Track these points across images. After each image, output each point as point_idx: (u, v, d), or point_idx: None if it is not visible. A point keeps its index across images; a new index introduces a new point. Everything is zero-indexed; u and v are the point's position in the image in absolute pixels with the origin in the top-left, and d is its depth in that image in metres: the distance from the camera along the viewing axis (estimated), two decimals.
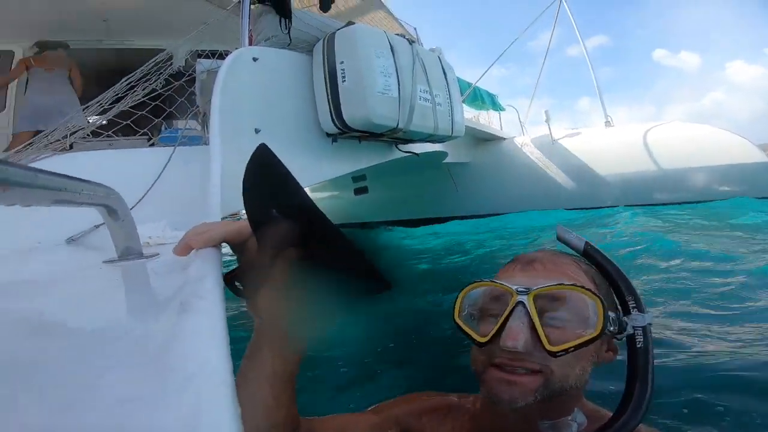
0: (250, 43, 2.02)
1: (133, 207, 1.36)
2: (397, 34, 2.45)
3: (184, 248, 0.47)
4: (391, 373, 1.56)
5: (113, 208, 0.61)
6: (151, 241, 1.10)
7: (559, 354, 0.49)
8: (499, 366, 0.53)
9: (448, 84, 2.65)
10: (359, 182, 6.29)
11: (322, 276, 0.45)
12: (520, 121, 6.63)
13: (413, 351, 1.76)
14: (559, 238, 0.64)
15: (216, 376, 0.17)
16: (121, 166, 1.64)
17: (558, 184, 5.37)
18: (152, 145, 1.90)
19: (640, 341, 0.56)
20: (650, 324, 0.57)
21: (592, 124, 5.84)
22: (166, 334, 0.22)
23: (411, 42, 2.41)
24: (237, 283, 0.48)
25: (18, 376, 0.23)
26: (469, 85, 5.67)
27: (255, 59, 1.81)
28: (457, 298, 0.59)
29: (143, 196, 1.39)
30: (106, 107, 1.70)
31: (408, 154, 2.93)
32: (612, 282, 0.59)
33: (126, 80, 1.77)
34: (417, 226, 5.64)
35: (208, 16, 2.20)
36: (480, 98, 6.25)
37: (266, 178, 0.46)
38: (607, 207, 4.98)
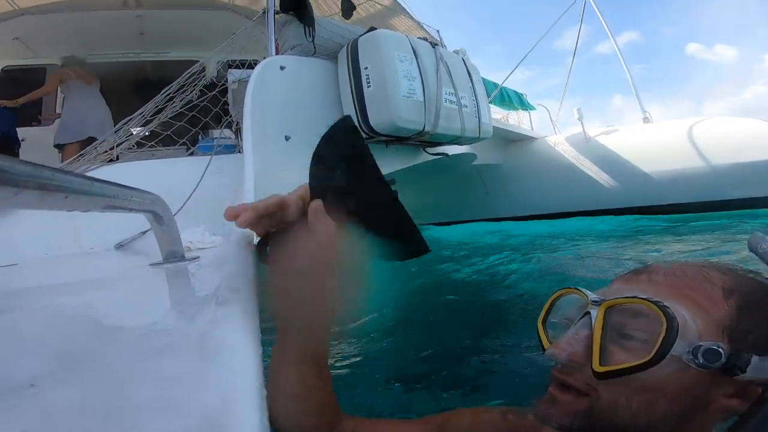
0: (277, 53, 2.09)
1: (175, 213, 1.45)
2: (420, 38, 2.47)
3: (241, 221, 0.42)
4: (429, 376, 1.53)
5: (159, 214, 0.66)
6: (192, 246, 1.18)
7: (605, 375, 0.42)
8: (553, 381, 0.47)
9: (473, 85, 2.64)
10: None
11: (366, 232, 0.44)
12: (552, 120, 6.45)
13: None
14: (750, 247, 0.53)
15: (247, 358, 0.19)
16: (163, 175, 1.75)
17: (597, 183, 5.16)
18: (191, 154, 2.02)
19: None
20: None
21: (626, 122, 5.57)
22: (205, 324, 0.25)
23: (434, 45, 2.42)
24: (267, 250, 0.48)
25: (77, 363, 0.26)
26: (496, 86, 5.58)
27: (282, 68, 1.88)
28: (547, 302, 0.54)
29: (184, 203, 1.48)
30: (148, 118, 1.82)
31: (436, 156, 2.93)
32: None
33: (165, 92, 1.89)
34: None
35: (237, 27, 2.30)
36: (508, 98, 6.14)
37: (338, 143, 0.46)
38: (656, 206, 4.74)
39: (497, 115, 6.07)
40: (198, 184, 1.53)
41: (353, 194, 0.44)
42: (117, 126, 1.80)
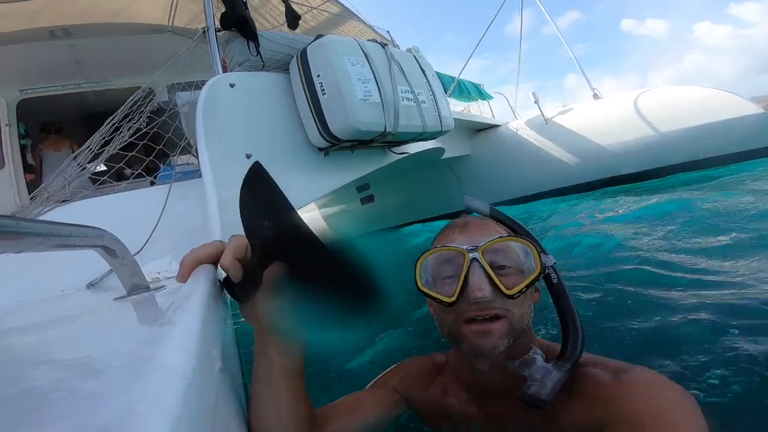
0: (225, 71, 2.05)
1: (141, 249, 1.42)
2: (369, 40, 2.48)
3: (180, 275, 0.51)
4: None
5: (110, 248, 0.65)
6: (161, 275, 1.16)
7: (517, 295, 0.58)
8: (471, 320, 0.59)
9: (428, 81, 2.67)
10: (364, 191, 6.33)
11: (307, 287, 0.49)
12: (511, 106, 6.62)
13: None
14: (467, 207, 0.76)
15: (169, 371, 0.20)
16: (125, 209, 1.70)
17: (561, 162, 5.33)
18: (153, 184, 1.96)
19: (554, 278, 0.67)
20: (555, 263, 0.67)
21: (580, 99, 5.78)
22: (142, 345, 0.25)
23: (383, 45, 2.44)
24: (236, 289, 0.52)
25: (14, 387, 0.26)
26: (453, 79, 5.69)
27: (232, 85, 1.84)
28: (415, 268, 0.66)
29: (149, 238, 1.44)
30: (96, 152, 1.75)
31: (403, 155, 2.96)
32: (516, 233, 0.70)
33: (109, 122, 1.81)
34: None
35: (179, 48, 2.24)
36: (466, 90, 6.26)
37: (259, 194, 0.50)
38: (615, 178, 4.95)
39: (458, 107, 6.18)
40: (161, 215, 1.50)
41: (286, 243, 0.48)
42: (64, 164, 1.72)
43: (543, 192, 5.42)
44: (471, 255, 0.60)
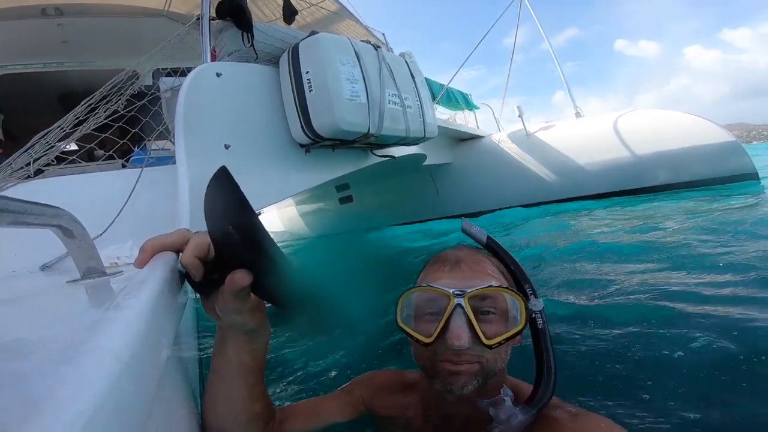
0: (214, 59, 2.02)
1: (103, 232, 1.37)
2: (363, 41, 2.49)
3: (139, 261, 0.50)
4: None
5: (68, 229, 0.63)
6: (119, 261, 1.12)
7: (494, 346, 0.58)
8: (446, 361, 0.58)
9: (416, 86, 2.70)
10: (343, 191, 6.31)
11: (267, 296, 0.50)
12: (495, 118, 6.75)
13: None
14: (463, 231, 0.72)
15: (103, 355, 0.20)
16: (92, 190, 1.64)
17: (539, 177, 5.46)
18: (124, 167, 1.90)
19: (540, 323, 0.64)
20: (544, 307, 0.65)
21: (565, 116, 5.95)
22: (83, 329, 0.25)
23: (376, 47, 2.45)
24: (196, 284, 0.51)
25: None
26: (442, 86, 5.76)
27: (218, 75, 1.82)
28: (397, 303, 0.64)
29: (112, 222, 1.39)
30: (68, 131, 1.69)
31: (384, 158, 2.97)
32: (510, 271, 0.68)
33: (86, 102, 1.75)
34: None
35: (171, 34, 2.20)
36: (454, 99, 6.35)
37: (225, 199, 0.48)
38: (589, 196, 5.11)
39: (444, 115, 6.25)
40: (128, 198, 1.45)
41: (249, 252, 0.47)
42: (33, 140, 1.65)
43: (519, 205, 5.54)
44: (456, 300, 0.58)
